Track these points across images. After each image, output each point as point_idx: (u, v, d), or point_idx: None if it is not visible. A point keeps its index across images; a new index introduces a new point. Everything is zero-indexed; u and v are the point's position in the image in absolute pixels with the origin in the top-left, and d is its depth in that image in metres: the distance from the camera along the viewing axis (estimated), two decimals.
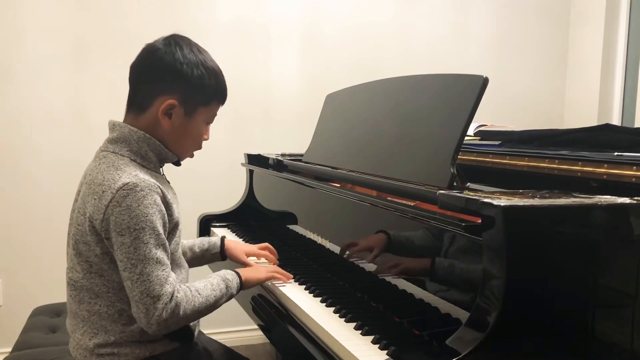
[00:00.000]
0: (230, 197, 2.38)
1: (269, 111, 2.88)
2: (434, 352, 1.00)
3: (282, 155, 2.20)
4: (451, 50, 3.15)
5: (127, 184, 1.18)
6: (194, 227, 2.24)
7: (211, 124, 1.39)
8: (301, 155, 2.04)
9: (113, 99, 2.56)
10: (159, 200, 1.22)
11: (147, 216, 1.18)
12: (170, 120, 1.29)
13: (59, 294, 2.09)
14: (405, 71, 1.73)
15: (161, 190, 1.23)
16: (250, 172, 2.29)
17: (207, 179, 2.74)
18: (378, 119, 1.63)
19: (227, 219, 2.23)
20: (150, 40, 1.36)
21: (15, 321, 2.06)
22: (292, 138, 2.83)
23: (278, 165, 2.10)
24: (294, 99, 2.90)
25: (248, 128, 2.83)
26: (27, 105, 2.52)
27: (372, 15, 3.01)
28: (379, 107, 1.65)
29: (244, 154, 2.32)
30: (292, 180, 1.87)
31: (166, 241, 1.23)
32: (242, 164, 2.33)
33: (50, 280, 2.54)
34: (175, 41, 1.31)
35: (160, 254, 1.20)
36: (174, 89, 1.28)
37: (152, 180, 1.23)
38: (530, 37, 3.30)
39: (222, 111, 1.40)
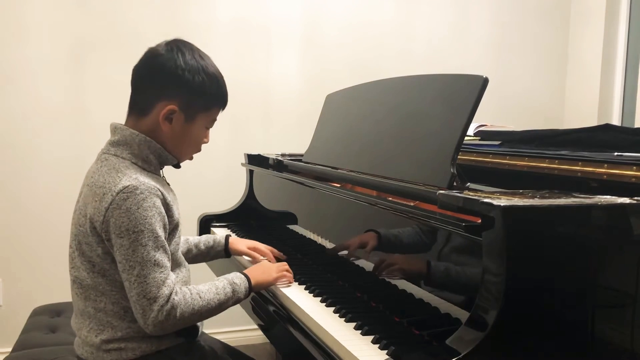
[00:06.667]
0: (230, 197, 2.38)
1: (269, 111, 2.88)
2: (434, 352, 1.00)
3: (282, 155, 2.20)
4: (451, 50, 3.15)
5: (127, 186, 1.20)
6: (194, 227, 2.24)
7: (211, 128, 1.40)
8: (301, 155, 2.04)
9: (113, 99, 2.56)
10: (158, 203, 1.23)
11: (146, 219, 1.19)
12: (171, 125, 1.30)
13: (59, 294, 2.09)
14: (405, 71, 1.73)
15: (161, 193, 1.25)
16: (250, 172, 2.29)
17: (207, 179, 2.74)
18: (378, 119, 1.63)
19: (227, 219, 2.23)
20: (150, 40, 1.36)
21: (15, 321, 2.06)
22: (292, 138, 2.83)
23: (278, 165, 2.10)
24: (294, 99, 2.90)
25: (248, 128, 2.83)
26: (27, 105, 2.52)
27: (372, 15, 3.01)
28: (379, 107, 1.65)
29: (244, 154, 2.32)
30: (292, 180, 1.87)
31: (166, 243, 1.24)
32: (242, 164, 2.33)
33: (50, 280, 2.54)
34: (177, 46, 1.31)
35: (159, 256, 1.21)
36: (174, 95, 1.29)
37: (153, 183, 1.24)
38: (530, 37, 3.30)
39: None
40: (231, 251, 1.70)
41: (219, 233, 2.10)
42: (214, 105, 1.36)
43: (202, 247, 1.67)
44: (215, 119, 1.39)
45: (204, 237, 1.70)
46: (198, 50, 1.35)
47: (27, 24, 2.50)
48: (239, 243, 1.70)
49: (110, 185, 1.21)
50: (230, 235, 1.74)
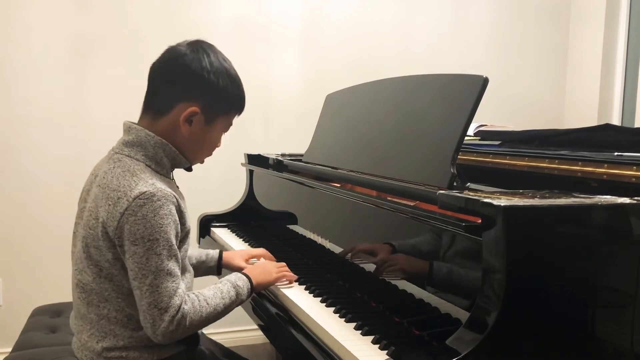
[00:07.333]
0: (230, 197, 2.38)
1: (269, 111, 2.88)
2: (434, 352, 1.00)
3: (282, 155, 2.20)
4: (451, 50, 3.15)
5: (144, 192, 1.17)
6: (194, 227, 2.23)
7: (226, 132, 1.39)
8: (301, 155, 2.04)
9: (113, 98, 2.57)
10: (174, 211, 1.21)
11: (162, 227, 1.17)
12: (190, 127, 1.28)
13: (59, 294, 2.10)
14: (405, 71, 1.73)
15: (176, 200, 1.23)
16: (250, 172, 2.29)
17: (208, 179, 2.74)
18: (378, 119, 1.63)
19: (227, 219, 2.23)
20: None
21: (15, 321, 2.06)
22: (292, 138, 2.83)
23: (278, 165, 2.10)
24: (294, 99, 2.90)
25: (248, 128, 2.82)
26: (27, 105, 2.52)
27: (372, 15, 3.01)
28: (379, 107, 1.65)
29: (244, 154, 2.32)
30: (292, 180, 1.87)
31: (178, 252, 1.22)
32: (242, 164, 2.33)
33: (50, 280, 2.54)
34: (202, 47, 1.29)
35: (171, 265, 1.19)
36: (197, 97, 1.27)
37: (169, 190, 1.21)
38: (530, 37, 3.30)
39: None
40: (227, 267, 1.61)
41: (219, 233, 2.11)
42: (233, 109, 1.34)
43: (194, 261, 1.59)
44: (231, 124, 1.37)
45: (197, 251, 1.63)
46: (220, 52, 1.33)
47: (27, 24, 2.50)
48: (234, 257, 1.63)
49: (125, 190, 1.18)
50: (224, 250, 1.65)
